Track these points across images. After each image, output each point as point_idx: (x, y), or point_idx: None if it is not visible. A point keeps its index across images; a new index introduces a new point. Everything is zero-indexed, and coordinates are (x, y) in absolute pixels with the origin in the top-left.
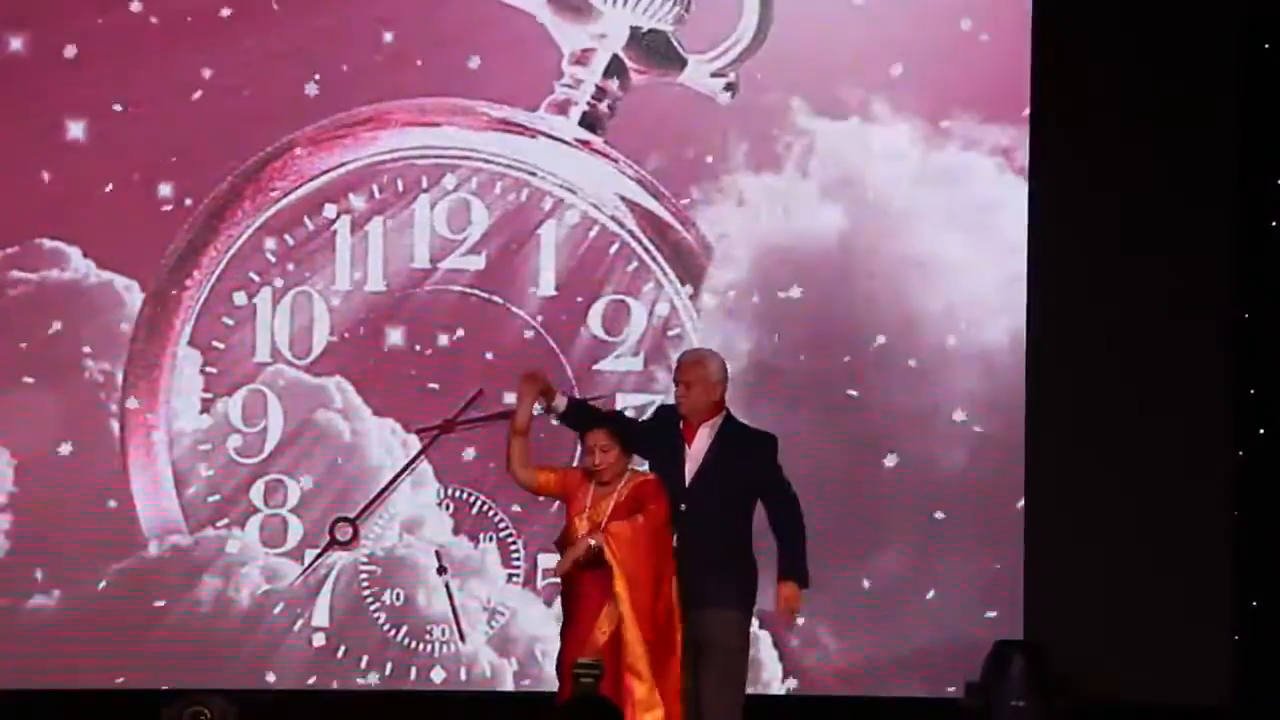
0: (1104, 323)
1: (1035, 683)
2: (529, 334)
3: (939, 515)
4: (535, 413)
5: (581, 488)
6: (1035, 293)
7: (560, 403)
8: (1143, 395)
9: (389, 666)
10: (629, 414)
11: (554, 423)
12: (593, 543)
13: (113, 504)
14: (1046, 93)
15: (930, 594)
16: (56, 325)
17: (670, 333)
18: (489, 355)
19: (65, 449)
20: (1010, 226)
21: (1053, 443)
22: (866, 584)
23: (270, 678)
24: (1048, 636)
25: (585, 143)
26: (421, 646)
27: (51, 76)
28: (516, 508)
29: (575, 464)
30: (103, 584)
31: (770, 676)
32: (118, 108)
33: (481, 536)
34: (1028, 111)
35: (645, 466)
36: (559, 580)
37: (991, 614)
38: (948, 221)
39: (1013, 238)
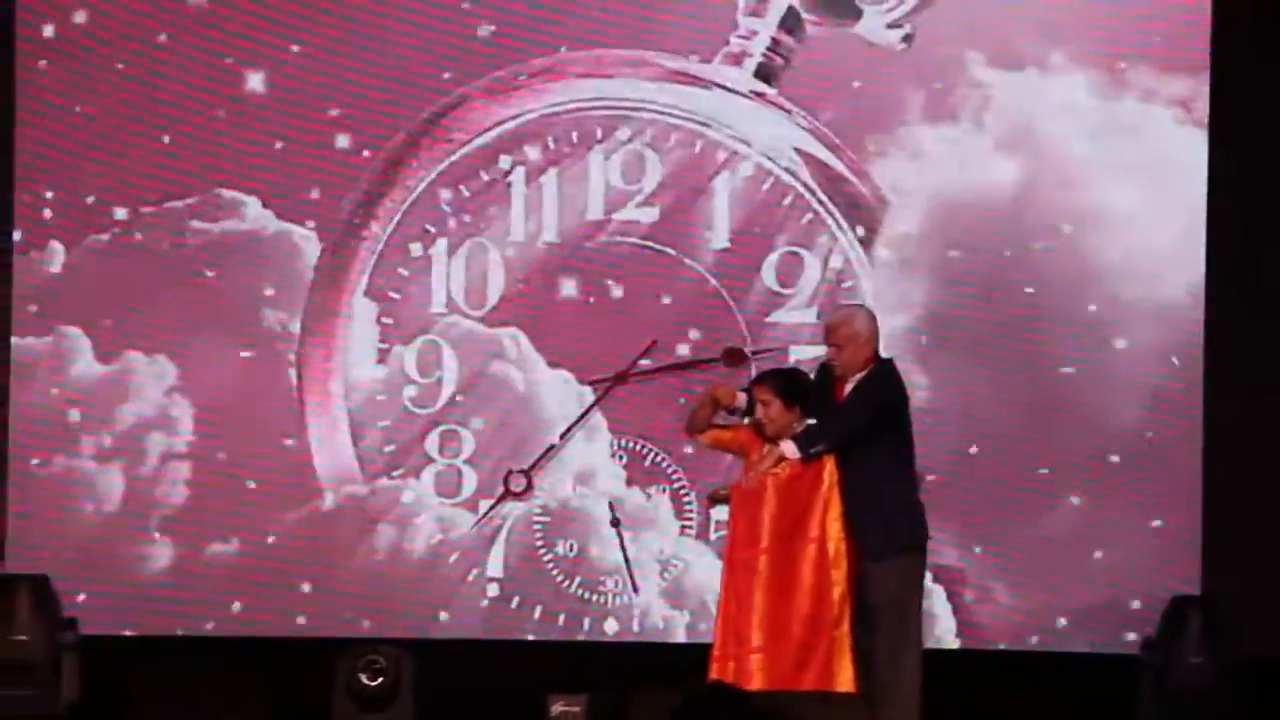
0: None
1: (1212, 639)
2: (702, 285)
3: (1115, 469)
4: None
5: (756, 444)
6: (1214, 247)
7: (740, 401)
8: None
9: (562, 618)
10: (802, 367)
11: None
12: (786, 450)
13: (290, 453)
14: (1227, 42)
15: (1106, 549)
16: (235, 275)
17: (844, 285)
18: (662, 306)
19: (244, 398)
20: (1189, 179)
21: (1231, 396)
22: (1042, 538)
23: (444, 627)
24: (1226, 592)
25: (760, 94)
26: (594, 598)
27: (231, 28)
28: (690, 460)
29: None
30: (279, 533)
31: (944, 631)
32: (296, 59)
33: (654, 488)
34: (1208, 61)
35: None
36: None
37: (1169, 569)
38: (1125, 174)
39: (1191, 190)
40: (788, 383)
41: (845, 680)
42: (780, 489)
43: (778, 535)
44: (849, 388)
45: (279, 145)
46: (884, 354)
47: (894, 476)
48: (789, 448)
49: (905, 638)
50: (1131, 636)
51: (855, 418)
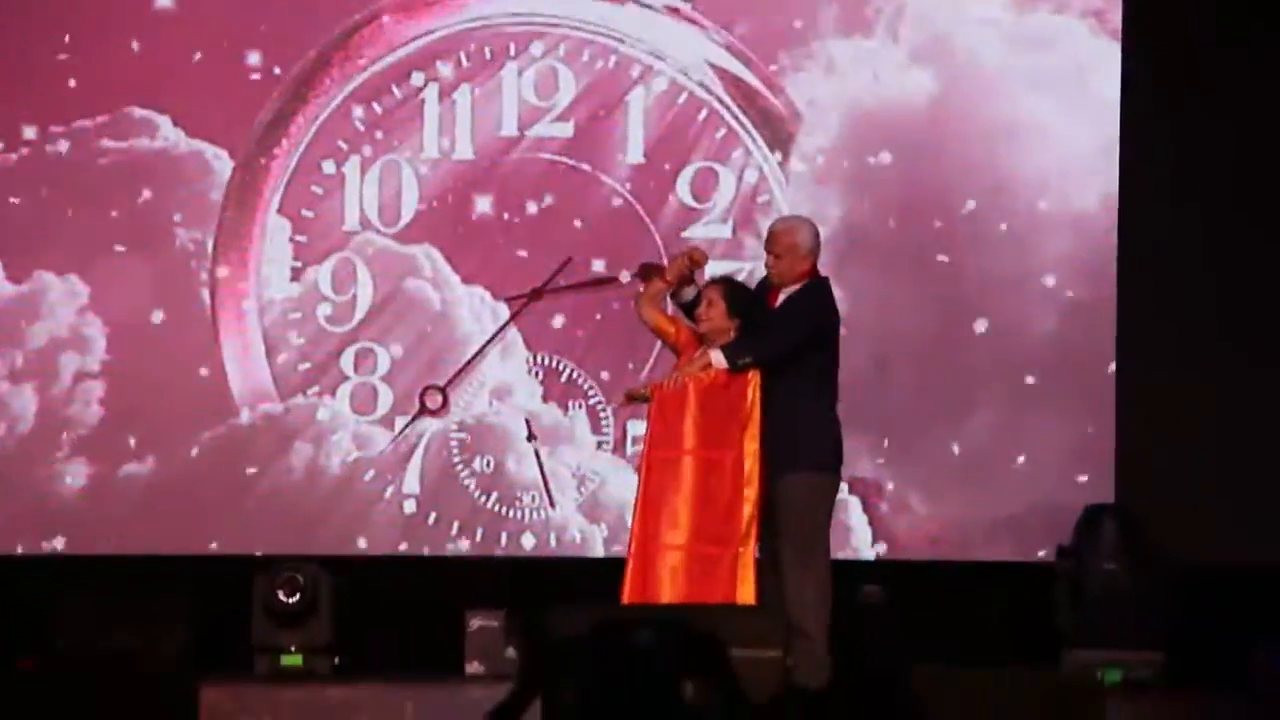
0: (1196, 186)
1: (1126, 546)
2: (617, 201)
3: (1030, 380)
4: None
5: (692, 346)
6: (1127, 156)
7: (689, 293)
8: (1235, 257)
9: (479, 533)
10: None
11: (670, 302)
12: (714, 358)
13: (204, 372)
14: None
15: (1021, 458)
16: (147, 194)
17: (759, 199)
18: (577, 223)
19: (157, 317)
20: (1103, 89)
21: (1144, 306)
22: (957, 449)
23: (361, 544)
24: (1139, 500)
25: (673, 9)
26: (512, 513)
27: None
28: (605, 375)
29: None
30: (195, 451)
31: (860, 541)
32: None
33: (571, 403)
34: None
35: None
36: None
37: (1082, 478)
38: (1039, 85)
39: (1105, 101)
40: (737, 292)
41: (746, 594)
42: (702, 395)
43: (699, 442)
44: (781, 298)
45: (189, 63)
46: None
47: (815, 396)
48: (716, 356)
49: (813, 550)
50: (1046, 545)
51: (786, 336)
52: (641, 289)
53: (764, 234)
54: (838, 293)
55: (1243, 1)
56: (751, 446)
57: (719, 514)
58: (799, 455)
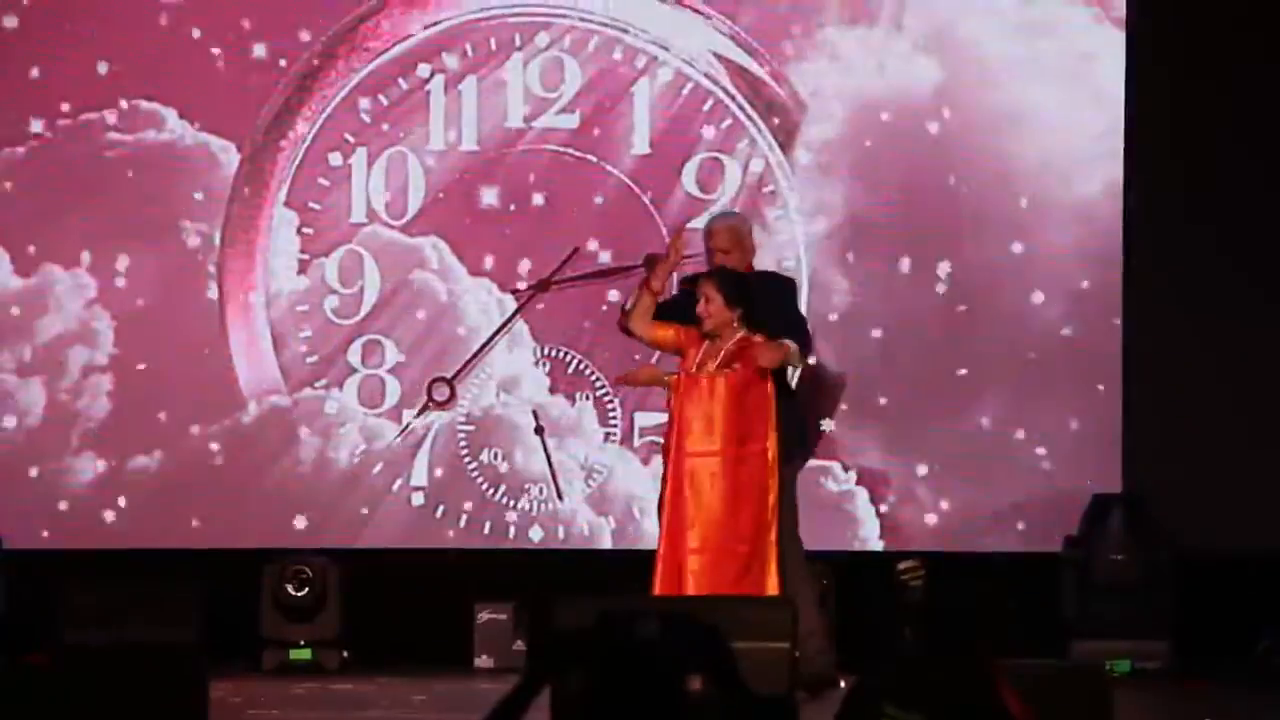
0: (1202, 174)
1: (1134, 535)
2: (623, 193)
3: (1035, 370)
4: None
5: (695, 344)
6: (1132, 145)
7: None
8: (1242, 246)
9: (487, 526)
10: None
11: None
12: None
13: (212, 365)
14: None
15: (1027, 449)
16: (154, 187)
17: (765, 190)
18: (583, 214)
19: (164, 311)
20: (1107, 78)
21: (1150, 295)
22: (962, 439)
23: (370, 537)
24: (1146, 489)
25: None
26: (519, 505)
27: None
28: (613, 366)
29: None
30: (203, 445)
31: (867, 533)
32: None
33: (578, 395)
34: None
35: None
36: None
37: (1089, 468)
38: (1044, 74)
39: (1110, 89)
40: (733, 283)
41: (772, 585)
42: (737, 392)
43: (730, 439)
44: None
45: (196, 56)
46: (802, 257)
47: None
48: (795, 352)
49: (797, 540)
50: (1053, 535)
51: (804, 325)
52: (627, 307)
53: (763, 226)
54: (844, 282)
55: None
56: (774, 437)
57: (748, 509)
58: (793, 444)
